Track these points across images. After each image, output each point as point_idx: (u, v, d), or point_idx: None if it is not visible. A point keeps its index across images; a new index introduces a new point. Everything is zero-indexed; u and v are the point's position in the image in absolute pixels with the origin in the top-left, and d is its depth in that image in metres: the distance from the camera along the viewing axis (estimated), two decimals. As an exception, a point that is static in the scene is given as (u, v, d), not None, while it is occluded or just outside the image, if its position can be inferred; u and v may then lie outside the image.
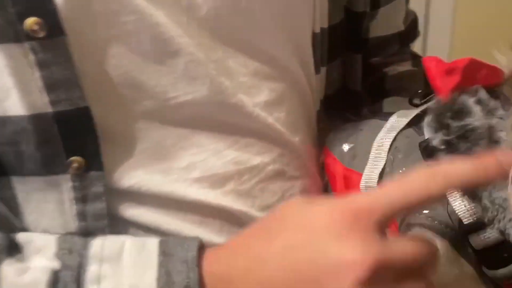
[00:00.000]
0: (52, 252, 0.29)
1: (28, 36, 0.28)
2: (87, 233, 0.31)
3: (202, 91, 0.33)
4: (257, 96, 0.36)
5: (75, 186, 0.31)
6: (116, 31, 0.31)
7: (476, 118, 0.30)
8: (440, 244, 0.30)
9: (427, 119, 0.33)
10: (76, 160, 0.31)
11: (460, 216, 0.30)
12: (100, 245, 0.29)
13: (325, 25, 0.42)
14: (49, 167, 0.31)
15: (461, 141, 0.30)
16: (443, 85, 0.32)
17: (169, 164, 0.34)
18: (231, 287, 0.27)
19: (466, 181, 0.26)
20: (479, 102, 0.31)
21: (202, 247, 0.29)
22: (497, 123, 0.29)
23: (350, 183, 0.37)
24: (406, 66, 0.51)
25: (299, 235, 0.26)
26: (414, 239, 0.28)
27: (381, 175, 0.35)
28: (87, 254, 0.29)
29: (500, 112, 0.30)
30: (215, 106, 0.34)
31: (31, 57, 0.29)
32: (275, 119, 0.37)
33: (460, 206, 0.30)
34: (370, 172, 0.35)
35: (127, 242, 0.30)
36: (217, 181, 0.35)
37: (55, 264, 0.28)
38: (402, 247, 0.26)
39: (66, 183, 0.31)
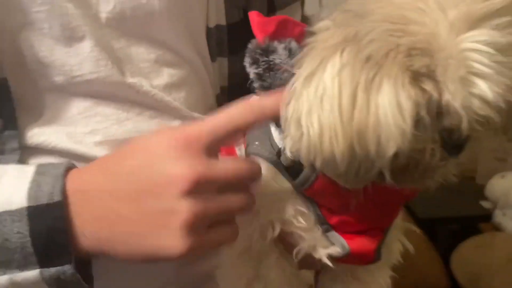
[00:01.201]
0: None
1: None
2: None
3: (105, 72, 0.41)
4: (156, 79, 0.44)
5: None
6: (30, 19, 0.38)
7: (280, 57, 0.37)
8: (262, 165, 0.37)
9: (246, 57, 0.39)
10: None
11: (276, 143, 0.38)
12: None
13: (223, 23, 0.48)
14: None
15: (267, 74, 0.37)
16: (259, 32, 0.39)
17: (75, 128, 0.41)
18: (88, 198, 0.34)
19: (270, 113, 0.34)
20: (288, 48, 0.37)
21: (71, 168, 0.36)
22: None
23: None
24: None
25: (143, 157, 0.34)
26: (238, 159, 0.40)
27: None
28: None
29: None
30: (116, 85, 0.42)
31: None
32: (173, 99, 0.45)
33: (275, 135, 0.38)
34: None
35: (10, 167, 0.37)
36: (117, 145, 0.41)
37: None
38: (225, 165, 0.34)
39: None
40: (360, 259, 0.40)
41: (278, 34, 0.38)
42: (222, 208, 0.34)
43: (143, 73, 0.43)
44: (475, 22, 0.29)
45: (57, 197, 0.33)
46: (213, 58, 0.49)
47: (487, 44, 0.28)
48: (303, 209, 0.39)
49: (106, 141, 0.42)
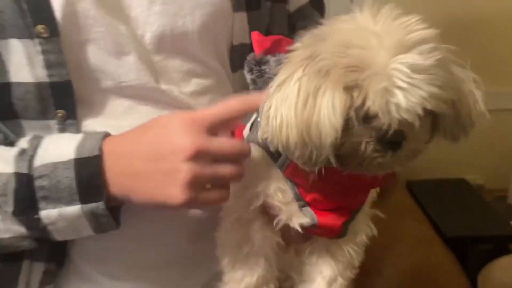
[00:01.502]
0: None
1: (38, 36, 0.49)
2: None
3: (144, 79, 0.54)
4: (185, 87, 0.57)
5: (59, 128, 0.52)
6: (91, 36, 0.52)
7: (270, 67, 0.49)
8: (254, 148, 0.50)
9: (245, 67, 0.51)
10: (60, 112, 0.52)
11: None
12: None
13: (246, 41, 0.59)
14: (44, 115, 0.52)
15: (259, 80, 0.50)
16: (257, 48, 0.51)
17: (118, 122, 0.54)
18: (118, 157, 0.48)
19: (255, 107, 0.47)
20: (279, 61, 0.48)
21: (108, 135, 0.50)
22: None
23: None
24: None
25: (160, 130, 0.48)
26: (232, 139, 0.52)
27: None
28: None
29: None
30: (152, 90, 0.55)
31: (38, 47, 0.49)
32: (198, 103, 0.57)
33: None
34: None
35: (66, 134, 0.52)
36: None
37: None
38: (221, 142, 0.48)
39: (54, 125, 0.52)
40: (327, 231, 0.50)
41: (273, 49, 0.50)
42: (216, 174, 0.46)
43: (175, 81, 0.56)
44: (404, 48, 0.39)
45: (95, 152, 0.47)
46: (235, 70, 0.60)
47: (410, 65, 0.38)
48: (283, 186, 0.49)
49: None
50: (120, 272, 0.57)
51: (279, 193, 0.49)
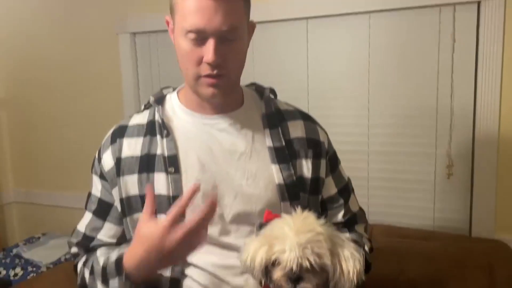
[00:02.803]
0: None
1: (167, 171, 0.99)
2: None
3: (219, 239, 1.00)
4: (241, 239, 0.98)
5: None
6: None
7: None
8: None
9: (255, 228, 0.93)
10: None
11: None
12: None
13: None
14: None
15: (258, 230, 0.89)
16: (264, 218, 0.89)
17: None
18: (132, 256, 0.91)
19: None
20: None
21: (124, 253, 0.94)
22: None
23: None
24: None
25: (149, 239, 0.87)
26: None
27: None
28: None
29: None
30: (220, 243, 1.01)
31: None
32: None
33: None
34: None
35: (116, 249, 1.02)
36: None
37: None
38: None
39: None
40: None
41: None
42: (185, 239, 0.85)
43: (241, 238, 0.97)
44: (299, 233, 0.80)
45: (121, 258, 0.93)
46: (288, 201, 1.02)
47: (297, 240, 0.78)
48: None
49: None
50: None
51: None
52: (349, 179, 1.16)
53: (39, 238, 2.40)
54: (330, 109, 1.88)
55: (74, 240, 1.08)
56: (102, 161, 1.05)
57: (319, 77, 1.88)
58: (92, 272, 1.00)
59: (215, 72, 0.93)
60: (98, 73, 2.31)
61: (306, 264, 0.77)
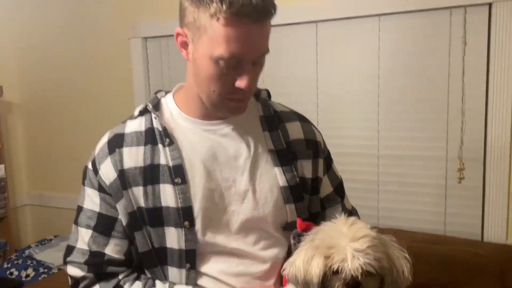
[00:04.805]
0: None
1: (183, 226, 0.94)
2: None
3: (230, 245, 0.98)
4: (255, 246, 0.98)
5: (186, 274, 0.96)
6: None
7: (302, 239, 0.88)
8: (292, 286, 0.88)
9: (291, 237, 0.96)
10: (188, 265, 0.95)
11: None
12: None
13: (294, 220, 1.00)
14: (180, 266, 0.97)
15: (297, 244, 0.89)
16: (298, 227, 0.94)
17: (217, 265, 0.96)
18: None
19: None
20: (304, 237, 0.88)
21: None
22: None
23: None
24: None
25: None
26: None
27: None
28: None
29: None
30: (236, 249, 0.98)
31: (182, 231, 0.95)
32: (263, 254, 0.99)
33: None
34: None
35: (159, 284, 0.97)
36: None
37: None
38: None
39: (183, 273, 0.97)
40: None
41: (305, 230, 0.90)
42: None
43: (250, 244, 0.97)
44: (354, 239, 0.77)
45: None
46: (286, 234, 1.01)
47: (355, 248, 0.76)
48: None
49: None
50: None
51: None
52: (341, 177, 1.17)
53: (51, 240, 2.43)
54: (340, 112, 1.88)
55: (79, 259, 0.97)
56: (101, 173, 0.98)
57: (329, 80, 1.88)
58: None
59: (245, 95, 0.92)
60: (111, 77, 2.34)
61: (369, 269, 0.76)
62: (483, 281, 1.49)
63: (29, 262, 2.21)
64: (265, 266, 0.97)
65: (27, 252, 2.27)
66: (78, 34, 2.40)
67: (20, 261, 2.21)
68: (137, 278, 0.98)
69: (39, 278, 2.11)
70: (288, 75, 1.93)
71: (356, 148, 1.87)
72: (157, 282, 0.97)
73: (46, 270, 2.15)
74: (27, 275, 2.15)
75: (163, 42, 2.19)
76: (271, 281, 0.99)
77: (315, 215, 1.04)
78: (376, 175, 1.85)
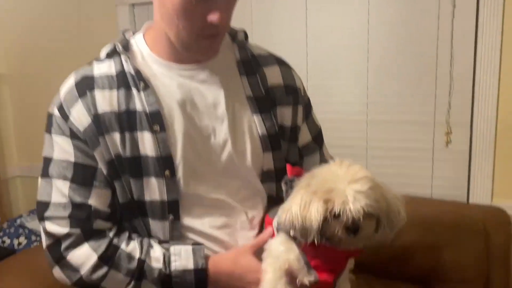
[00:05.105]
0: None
1: (164, 176, 0.91)
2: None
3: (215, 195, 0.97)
4: (236, 196, 0.98)
5: (170, 226, 0.94)
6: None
7: (294, 185, 0.86)
8: (282, 234, 0.86)
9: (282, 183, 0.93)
10: (170, 215, 0.94)
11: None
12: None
13: (271, 168, 1.02)
14: (162, 218, 0.95)
15: (288, 191, 0.88)
16: (289, 173, 0.92)
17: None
18: (219, 274, 0.93)
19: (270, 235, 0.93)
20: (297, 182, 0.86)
21: (208, 256, 0.94)
22: None
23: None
24: None
25: (236, 267, 0.93)
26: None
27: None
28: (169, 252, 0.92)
29: None
30: (219, 199, 0.98)
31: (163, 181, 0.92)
32: (243, 206, 0.99)
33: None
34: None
35: (183, 249, 0.92)
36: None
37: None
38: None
39: (166, 225, 0.95)
40: (324, 285, 0.85)
41: (297, 175, 0.89)
42: None
43: (231, 194, 0.97)
44: (353, 181, 0.75)
45: (204, 267, 0.91)
46: (263, 183, 1.01)
47: (355, 189, 0.75)
48: (298, 257, 0.84)
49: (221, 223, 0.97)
50: None
51: (296, 261, 0.84)
52: (320, 126, 1.13)
53: (42, 209, 2.43)
54: (330, 79, 1.87)
55: (61, 213, 0.88)
56: (72, 118, 0.89)
57: (318, 51, 1.87)
58: (142, 276, 0.91)
59: (218, 31, 0.85)
60: (98, 44, 2.30)
61: (370, 211, 0.75)
62: (467, 240, 1.52)
63: (21, 230, 2.22)
64: (247, 217, 0.97)
65: (18, 221, 2.28)
66: (63, 1, 2.35)
67: (12, 230, 2.22)
68: (130, 237, 0.92)
69: (31, 246, 2.13)
70: (278, 45, 1.91)
71: (345, 113, 1.87)
72: (153, 243, 0.92)
73: (38, 238, 2.17)
74: (19, 243, 2.16)
75: (152, 9, 2.15)
76: (254, 232, 0.99)
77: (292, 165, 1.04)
78: (365, 140, 1.86)
